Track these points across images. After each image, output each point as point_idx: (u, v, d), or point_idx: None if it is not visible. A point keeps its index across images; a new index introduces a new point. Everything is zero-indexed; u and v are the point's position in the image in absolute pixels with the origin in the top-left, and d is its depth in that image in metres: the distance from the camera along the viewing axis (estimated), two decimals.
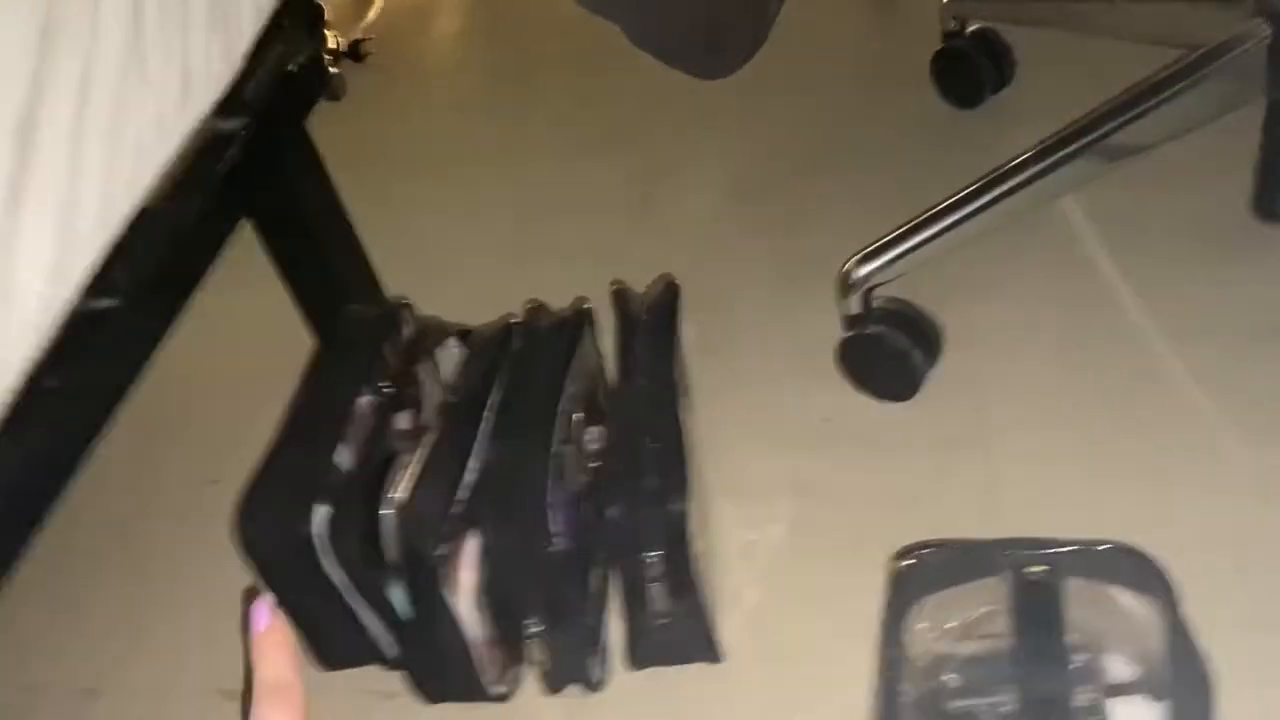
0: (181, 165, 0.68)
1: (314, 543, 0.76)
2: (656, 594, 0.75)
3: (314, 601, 0.79)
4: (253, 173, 0.80)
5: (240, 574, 0.83)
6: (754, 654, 0.82)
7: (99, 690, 0.88)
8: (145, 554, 0.98)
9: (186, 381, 1.12)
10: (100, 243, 0.58)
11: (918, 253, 0.95)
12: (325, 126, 0.96)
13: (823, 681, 0.80)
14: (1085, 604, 0.72)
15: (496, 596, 0.78)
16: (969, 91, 1.28)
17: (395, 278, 1.07)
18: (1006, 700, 0.71)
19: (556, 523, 0.74)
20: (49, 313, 0.55)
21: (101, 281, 0.61)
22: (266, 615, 0.44)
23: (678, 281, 0.90)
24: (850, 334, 0.97)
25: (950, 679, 0.73)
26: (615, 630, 0.83)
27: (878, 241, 0.95)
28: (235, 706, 0.86)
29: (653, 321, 0.86)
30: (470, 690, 0.80)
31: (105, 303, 0.62)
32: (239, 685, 0.87)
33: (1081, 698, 0.68)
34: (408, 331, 0.91)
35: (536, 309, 0.90)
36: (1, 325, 0.52)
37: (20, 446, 0.55)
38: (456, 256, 1.22)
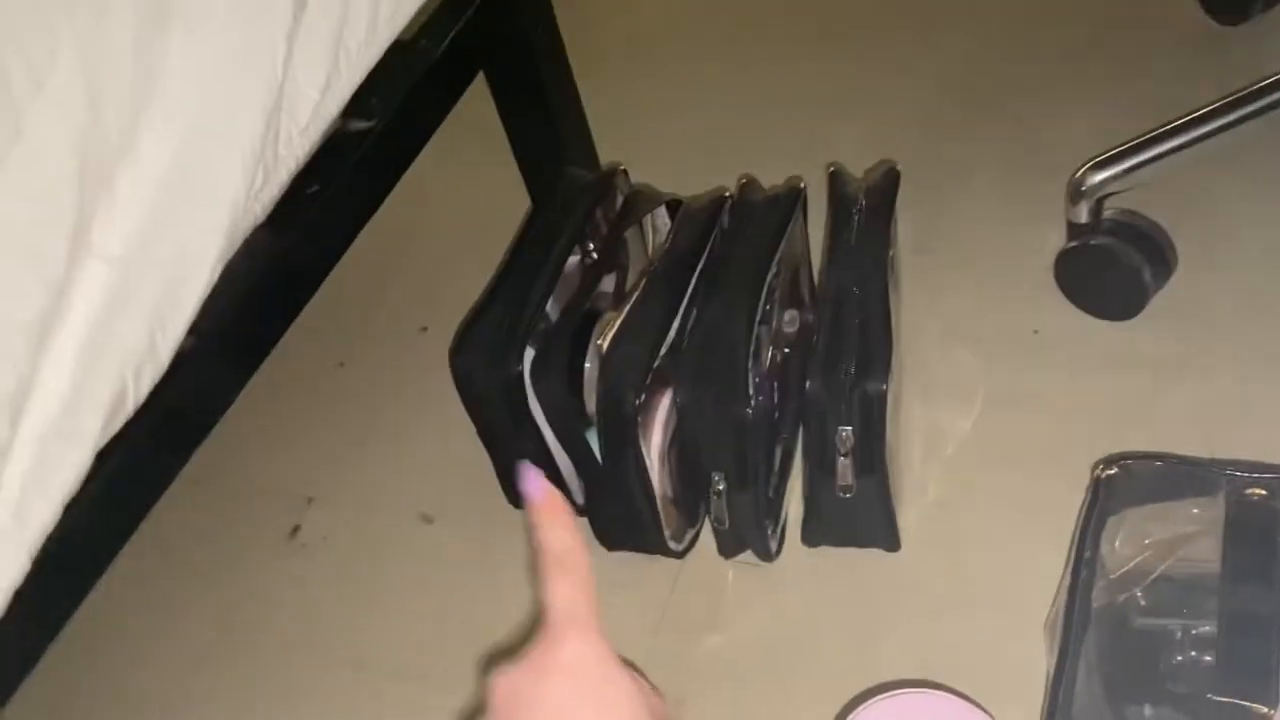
0: (432, 6, 0.71)
1: (521, 381, 0.79)
2: (844, 469, 0.75)
3: (515, 440, 0.84)
4: (491, 25, 0.83)
5: (443, 413, 0.89)
6: (931, 547, 0.82)
7: (315, 499, 0.97)
8: (360, 389, 1.06)
9: (402, 236, 1.19)
10: (364, 63, 0.62)
11: (1158, 164, 0.89)
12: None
13: (1000, 582, 0.79)
14: None
15: (685, 454, 0.81)
16: (1235, 5, 1.18)
17: (609, 151, 1.09)
18: (1199, 624, 0.68)
19: (753, 387, 0.75)
20: (318, 122, 0.59)
21: (359, 104, 0.65)
22: (538, 485, 0.44)
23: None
24: (1074, 244, 0.92)
25: (1141, 595, 0.71)
26: (794, 510, 0.85)
27: (1116, 148, 0.90)
28: (433, 529, 0.93)
29: (869, 205, 0.84)
30: (649, 542, 0.84)
31: (361, 124, 0.66)
32: (437, 512, 0.94)
33: None
34: (621, 197, 0.93)
35: (749, 184, 0.90)
36: (284, 134, 0.57)
37: (282, 242, 0.60)
38: (670, 138, 1.23)
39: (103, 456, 0.49)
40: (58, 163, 0.47)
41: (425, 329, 1.09)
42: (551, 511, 0.43)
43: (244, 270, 0.57)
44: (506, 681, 0.40)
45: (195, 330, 0.53)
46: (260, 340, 0.59)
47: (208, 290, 0.52)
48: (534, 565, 0.43)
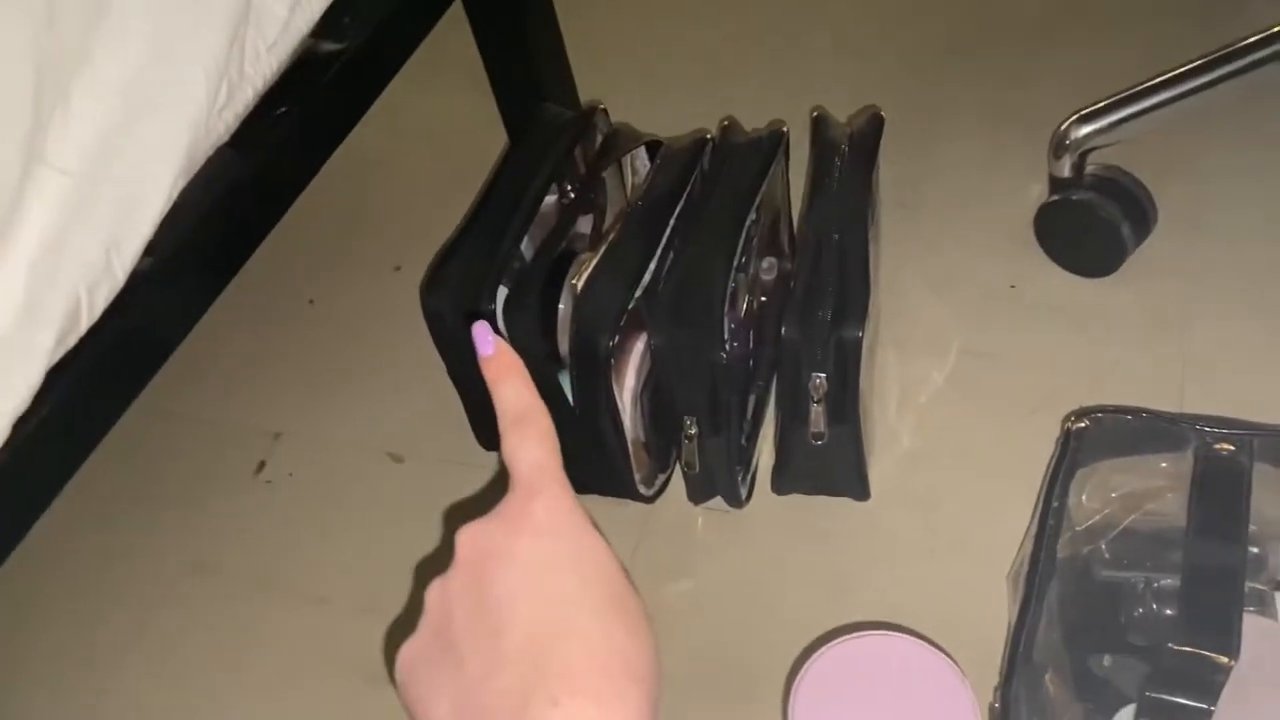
0: None
1: (494, 321, 0.78)
2: (817, 415, 0.75)
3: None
4: None
5: (414, 352, 0.88)
6: (901, 496, 0.82)
7: (283, 435, 0.95)
8: (331, 327, 1.04)
9: (375, 170, 1.17)
10: None
11: (1144, 119, 0.88)
12: None
13: (968, 531, 0.79)
14: (1270, 494, 0.68)
15: (658, 398, 0.80)
16: None
17: (590, 87, 1.07)
18: (1162, 578, 0.69)
19: (728, 332, 0.74)
20: (287, 40, 0.57)
21: (331, 24, 0.63)
22: (489, 340, 0.42)
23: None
24: (1056, 198, 0.92)
25: (1106, 547, 0.71)
26: (765, 459, 0.84)
27: (1102, 102, 0.89)
28: (401, 468, 0.92)
29: (853, 151, 0.83)
30: (619, 486, 0.83)
31: (332, 45, 0.64)
32: (406, 451, 0.93)
33: (1249, 586, 0.65)
34: (600, 136, 0.92)
35: (730, 126, 0.89)
36: (251, 50, 0.55)
37: (247, 164, 0.58)
38: (654, 73, 1.21)
39: (55, 374, 0.48)
40: (10, 69, 0.45)
41: (399, 268, 1.08)
42: (506, 368, 0.41)
43: (206, 191, 0.55)
44: (475, 537, 0.37)
45: (153, 250, 0.51)
46: (222, 264, 0.58)
47: (166, 208, 0.51)
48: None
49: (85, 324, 0.48)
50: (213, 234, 0.56)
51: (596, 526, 0.38)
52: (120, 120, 0.48)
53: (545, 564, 0.36)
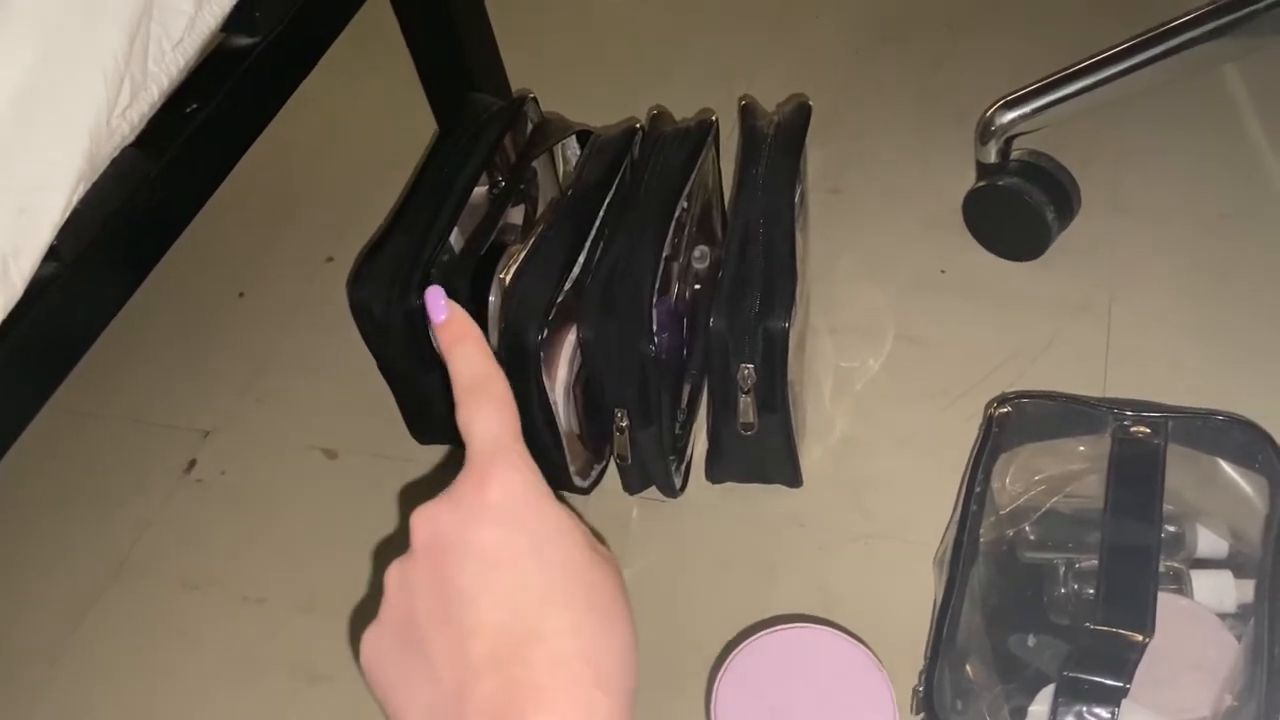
0: None
1: (422, 315, 0.78)
2: (746, 406, 0.75)
3: (417, 374, 0.82)
4: None
5: (346, 346, 0.87)
6: (833, 483, 0.83)
7: (213, 432, 0.94)
8: (261, 320, 1.02)
9: (305, 159, 1.15)
10: None
11: (1067, 104, 0.89)
12: None
13: (899, 516, 0.80)
14: (1185, 475, 0.70)
15: (589, 390, 0.80)
16: None
17: (520, 75, 1.06)
18: (1083, 558, 0.70)
19: (658, 324, 0.74)
20: (194, 36, 0.56)
21: (241, 18, 0.61)
22: (442, 305, 0.39)
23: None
24: (982, 184, 0.93)
25: (1029, 530, 0.73)
26: (699, 448, 0.85)
27: (1026, 88, 0.90)
28: (336, 464, 0.91)
29: (780, 140, 0.83)
30: (554, 479, 0.83)
31: (244, 40, 0.62)
32: (339, 446, 0.92)
33: (1165, 564, 0.67)
34: (530, 125, 0.91)
35: (660, 115, 0.89)
36: (155, 48, 0.53)
37: (155, 164, 0.57)
38: (585, 61, 1.20)
39: None
40: None
41: (331, 259, 1.06)
42: (460, 335, 0.38)
43: (112, 193, 0.54)
44: (432, 523, 0.35)
45: (56, 255, 0.50)
46: (131, 267, 0.56)
47: (65, 214, 0.49)
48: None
49: None
50: (119, 236, 0.54)
51: (561, 498, 0.36)
52: (13, 126, 0.46)
53: (505, 558, 0.34)
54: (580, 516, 0.38)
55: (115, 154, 0.53)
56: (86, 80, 0.49)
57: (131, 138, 0.54)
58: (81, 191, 0.50)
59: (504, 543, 0.34)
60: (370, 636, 0.37)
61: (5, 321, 0.48)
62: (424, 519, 0.36)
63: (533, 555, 0.34)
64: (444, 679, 0.33)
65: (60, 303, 0.51)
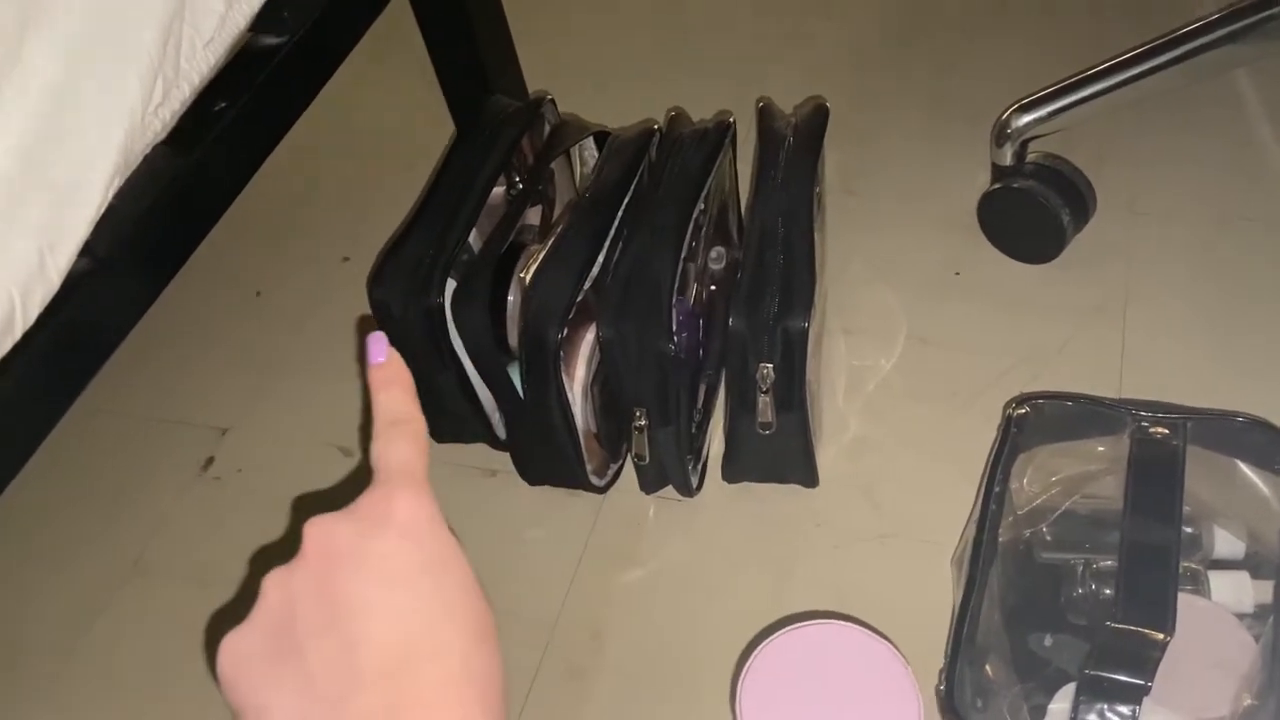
0: None
1: (442, 313, 0.78)
2: (765, 405, 0.75)
3: (435, 372, 0.82)
4: None
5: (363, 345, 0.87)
6: (849, 483, 0.83)
7: (230, 430, 0.94)
8: (279, 319, 1.03)
9: (323, 161, 1.16)
10: None
11: (1083, 108, 0.90)
12: None
13: (914, 516, 0.80)
14: (1203, 476, 0.70)
15: (607, 389, 0.81)
16: None
17: (537, 77, 1.06)
18: (1100, 559, 0.71)
19: (676, 324, 0.75)
20: (224, 35, 0.57)
21: (270, 18, 0.62)
22: (382, 349, 0.40)
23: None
24: (997, 186, 0.93)
25: (1047, 530, 0.73)
26: (715, 447, 0.85)
27: (1042, 91, 0.91)
28: (351, 462, 0.91)
29: (798, 141, 0.84)
30: (571, 476, 0.84)
31: (272, 39, 0.63)
32: (356, 444, 0.92)
33: (1183, 565, 0.67)
34: (548, 127, 0.91)
35: (677, 117, 0.89)
36: (187, 47, 0.54)
37: (186, 162, 0.57)
38: (602, 64, 1.20)
39: None
40: None
41: (347, 259, 1.07)
42: (392, 378, 0.40)
43: (144, 190, 0.54)
44: (327, 533, 0.35)
45: (90, 251, 0.51)
46: (162, 263, 0.57)
47: (101, 209, 0.50)
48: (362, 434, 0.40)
49: (20, 329, 0.47)
50: (151, 233, 0.55)
51: (454, 532, 0.37)
52: (51, 121, 0.47)
53: (402, 572, 0.34)
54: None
55: (147, 151, 0.54)
56: (122, 77, 0.50)
57: (163, 135, 0.55)
58: (116, 187, 0.51)
59: (402, 558, 0.35)
60: (234, 639, 0.35)
61: (41, 316, 0.48)
62: (318, 528, 0.35)
63: (428, 576, 0.35)
64: (320, 687, 0.33)
65: (93, 298, 0.52)
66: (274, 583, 0.35)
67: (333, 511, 0.36)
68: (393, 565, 0.34)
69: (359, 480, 0.88)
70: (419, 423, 0.39)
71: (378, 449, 0.38)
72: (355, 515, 0.36)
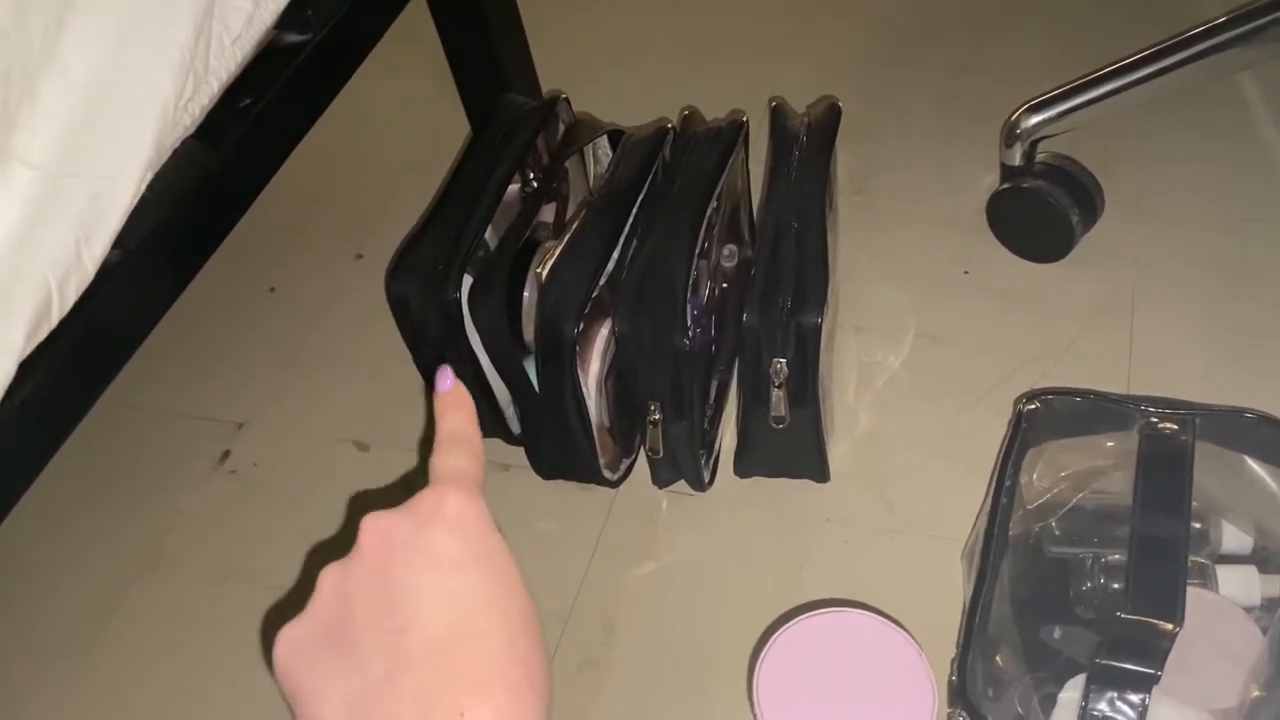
0: None
1: (459, 308, 0.79)
2: (778, 400, 0.76)
3: (451, 367, 0.83)
4: None
5: (378, 340, 0.88)
6: (860, 478, 0.84)
7: (246, 424, 0.95)
8: (293, 315, 1.04)
9: (337, 158, 1.17)
10: None
11: (1092, 108, 0.91)
12: None
13: (924, 511, 0.81)
14: (1211, 471, 0.71)
15: (622, 384, 0.81)
16: None
17: (552, 77, 1.07)
18: (1108, 553, 0.72)
19: (691, 319, 0.75)
20: (251, 32, 0.58)
21: (294, 16, 0.63)
22: (449, 380, 0.43)
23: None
24: (1006, 186, 0.94)
25: (1056, 524, 0.74)
26: (728, 443, 0.86)
27: (1051, 91, 0.92)
28: (367, 456, 0.92)
29: (811, 140, 0.85)
30: (585, 471, 0.84)
31: (296, 37, 0.64)
32: (371, 439, 0.93)
33: (1191, 560, 0.68)
34: (562, 125, 0.92)
35: (691, 116, 0.90)
36: (216, 44, 0.55)
37: (213, 156, 0.58)
38: (616, 63, 1.21)
39: (25, 369, 0.48)
40: None
41: (360, 255, 1.08)
42: (458, 402, 0.42)
43: (173, 183, 0.55)
44: (382, 526, 0.37)
45: (121, 243, 0.52)
46: (189, 256, 0.58)
47: (134, 200, 0.51)
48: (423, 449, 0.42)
49: (56, 317, 0.48)
50: (179, 226, 0.56)
51: (502, 532, 0.39)
52: (88, 114, 0.48)
53: (453, 562, 0.36)
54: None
55: (177, 145, 0.55)
56: (156, 72, 0.51)
57: (192, 129, 0.56)
58: (149, 179, 0.52)
59: (451, 550, 0.36)
60: (291, 630, 0.37)
61: (75, 304, 0.49)
62: (375, 525, 0.37)
63: (478, 568, 0.36)
64: (372, 671, 0.34)
65: (125, 289, 0.53)
66: (330, 576, 0.37)
67: (387, 510, 0.38)
68: (442, 555, 0.36)
69: (376, 475, 0.90)
70: (477, 441, 0.41)
71: (435, 459, 0.40)
72: (409, 512, 0.37)
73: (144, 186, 0.51)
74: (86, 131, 0.48)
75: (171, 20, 0.51)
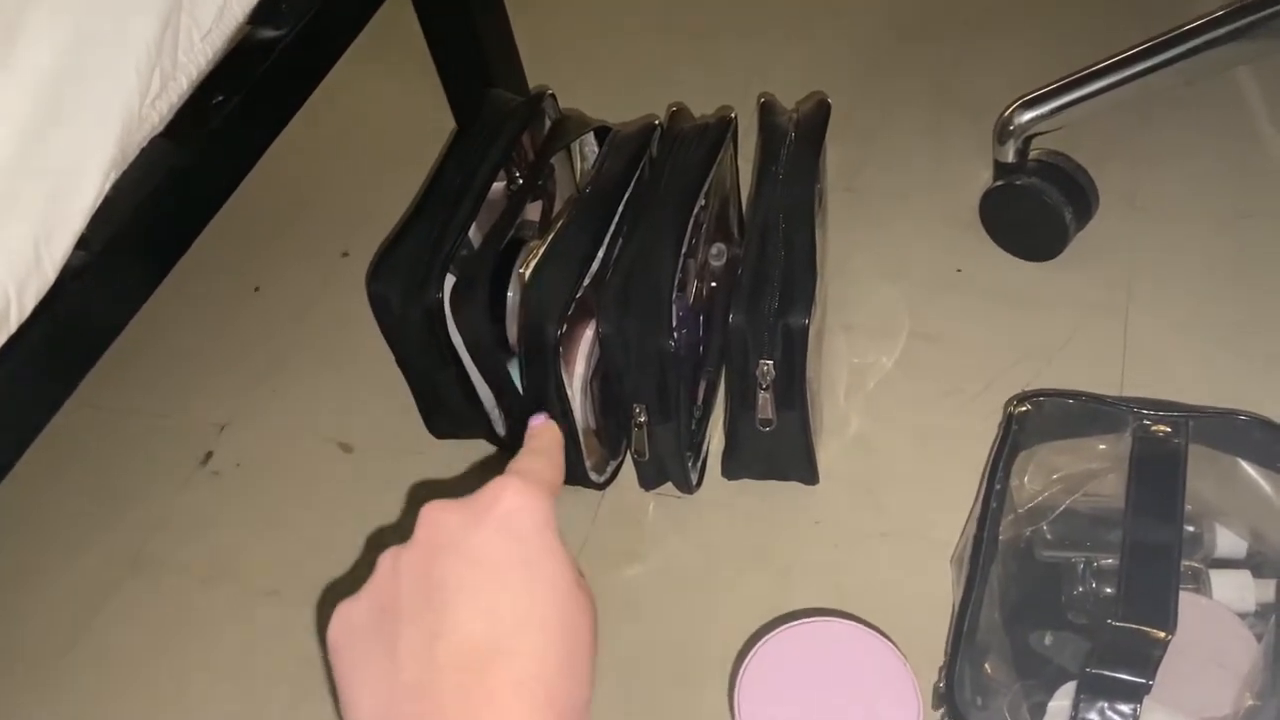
0: None
1: (441, 309, 0.78)
2: (765, 402, 0.75)
3: (434, 368, 0.82)
4: None
5: (363, 340, 0.87)
6: (849, 481, 0.83)
7: (229, 425, 0.94)
8: (277, 315, 1.03)
9: (322, 154, 1.16)
10: None
11: (1085, 104, 0.89)
12: None
13: (915, 514, 0.80)
14: (1205, 474, 0.70)
15: (607, 386, 0.80)
16: None
17: (538, 72, 1.06)
18: (1100, 558, 0.70)
19: (676, 320, 0.74)
20: (223, 28, 0.56)
21: (268, 11, 0.62)
22: (541, 418, 0.45)
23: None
24: (1000, 183, 0.93)
25: (1047, 528, 0.73)
26: (715, 444, 0.85)
27: (1044, 87, 0.90)
28: (351, 457, 0.91)
29: (800, 137, 0.83)
30: (571, 473, 0.83)
31: (270, 32, 0.63)
32: (355, 440, 0.92)
33: (1184, 564, 0.67)
34: (548, 122, 0.91)
35: (679, 112, 0.89)
36: (185, 39, 0.53)
37: (183, 155, 0.57)
38: (603, 59, 1.20)
39: None
40: None
41: (346, 254, 1.06)
42: (543, 432, 0.43)
43: (141, 182, 0.54)
44: (436, 517, 0.37)
45: (85, 244, 0.50)
46: (158, 257, 0.57)
47: (97, 201, 0.49)
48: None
49: (15, 321, 0.47)
50: (148, 226, 0.54)
51: (562, 537, 0.38)
52: (48, 112, 0.47)
53: (495, 563, 0.35)
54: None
55: (144, 143, 0.53)
56: (119, 67, 0.49)
57: (160, 128, 0.55)
58: (113, 179, 0.50)
59: (499, 553, 0.36)
60: (346, 608, 0.37)
61: (35, 310, 0.48)
62: (432, 514, 0.37)
63: (522, 572, 0.36)
64: (404, 673, 0.34)
65: (89, 292, 0.51)
66: (387, 560, 0.37)
67: (448, 499, 0.38)
68: (486, 557, 0.35)
69: (360, 476, 0.88)
70: (558, 457, 0.42)
71: (512, 461, 0.40)
72: (466, 505, 0.37)
73: (108, 186, 0.50)
74: (46, 129, 0.47)
75: (136, 13, 0.50)
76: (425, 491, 0.87)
